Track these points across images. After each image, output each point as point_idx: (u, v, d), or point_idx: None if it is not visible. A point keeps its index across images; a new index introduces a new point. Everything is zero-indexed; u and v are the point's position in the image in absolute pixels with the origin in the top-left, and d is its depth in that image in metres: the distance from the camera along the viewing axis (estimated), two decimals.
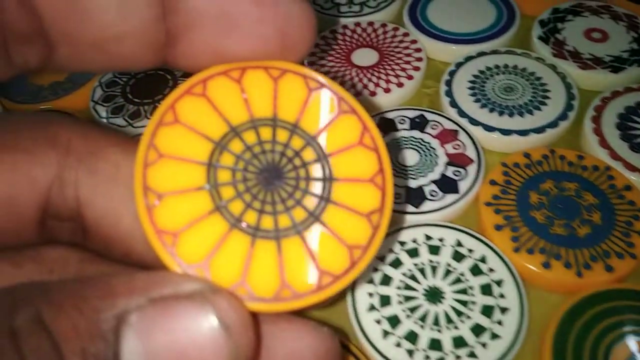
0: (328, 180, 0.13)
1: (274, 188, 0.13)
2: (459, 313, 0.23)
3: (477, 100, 0.30)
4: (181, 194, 0.12)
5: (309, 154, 0.13)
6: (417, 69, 0.32)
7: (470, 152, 0.28)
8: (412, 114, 0.30)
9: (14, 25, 0.12)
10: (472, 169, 0.27)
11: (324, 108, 0.13)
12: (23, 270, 0.14)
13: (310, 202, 0.13)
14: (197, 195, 0.12)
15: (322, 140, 0.13)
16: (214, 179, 0.12)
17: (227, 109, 0.13)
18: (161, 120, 0.13)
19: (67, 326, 0.10)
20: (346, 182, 0.13)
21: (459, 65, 0.32)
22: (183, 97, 0.13)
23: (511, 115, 0.30)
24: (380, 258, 0.25)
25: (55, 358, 0.10)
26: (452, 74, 0.32)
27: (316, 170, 0.13)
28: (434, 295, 0.24)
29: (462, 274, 0.24)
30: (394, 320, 0.23)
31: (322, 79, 0.13)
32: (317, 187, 0.13)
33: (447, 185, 0.27)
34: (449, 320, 0.23)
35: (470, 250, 0.25)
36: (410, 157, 0.28)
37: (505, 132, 0.29)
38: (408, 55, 0.33)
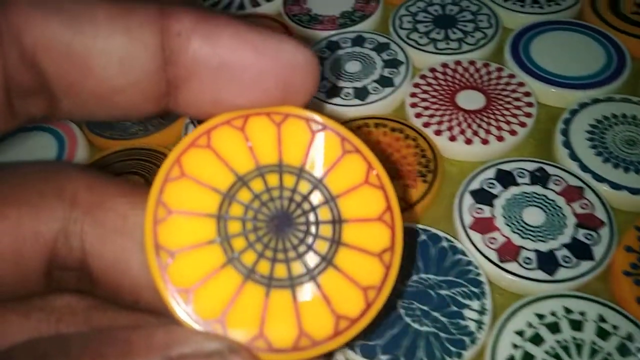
0: (337, 222, 0.13)
1: (284, 235, 0.13)
2: None
3: (599, 154, 0.29)
4: (193, 249, 0.12)
5: (316, 198, 0.13)
6: (528, 115, 0.31)
7: (600, 213, 0.26)
8: (530, 166, 0.28)
9: (17, 79, 0.12)
10: (604, 232, 0.26)
11: (328, 149, 0.14)
12: (31, 321, 0.14)
13: (322, 246, 0.13)
14: (208, 249, 0.12)
15: (329, 182, 0.13)
16: (225, 231, 0.12)
17: (233, 159, 0.13)
18: (168, 175, 0.13)
19: None
20: (355, 223, 0.13)
21: (573, 112, 0.30)
22: (188, 150, 0.13)
23: (637, 171, 0.28)
24: (518, 333, 0.23)
25: None
26: (567, 122, 0.30)
27: (325, 214, 0.13)
28: None
29: (609, 354, 0.22)
30: None
31: (323, 120, 0.14)
32: (327, 231, 0.13)
33: (580, 250, 0.25)
34: None
35: (614, 327, 0.23)
36: (536, 216, 0.26)
37: (635, 190, 0.27)
38: (517, 99, 0.31)
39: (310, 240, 0.13)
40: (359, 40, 0.36)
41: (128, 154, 0.30)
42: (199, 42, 0.12)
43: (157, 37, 0.12)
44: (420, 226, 0.26)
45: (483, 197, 0.27)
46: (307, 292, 0.12)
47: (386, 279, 0.13)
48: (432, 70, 0.34)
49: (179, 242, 0.12)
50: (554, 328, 0.23)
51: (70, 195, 0.14)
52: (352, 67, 0.34)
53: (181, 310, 0.12)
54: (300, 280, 0.12)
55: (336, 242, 0.13)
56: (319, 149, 0.14)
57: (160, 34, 0.12)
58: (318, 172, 0.13)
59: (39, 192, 0.13)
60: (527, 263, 0.25)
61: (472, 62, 0.34)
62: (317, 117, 0.14)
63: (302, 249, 0.13)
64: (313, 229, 0.13)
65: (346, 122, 0.30)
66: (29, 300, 0.14)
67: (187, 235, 0.12)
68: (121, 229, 0.14)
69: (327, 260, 0.13)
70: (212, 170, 0.13)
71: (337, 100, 0.33)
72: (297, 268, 0.13)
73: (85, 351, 0.10)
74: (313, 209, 0.13)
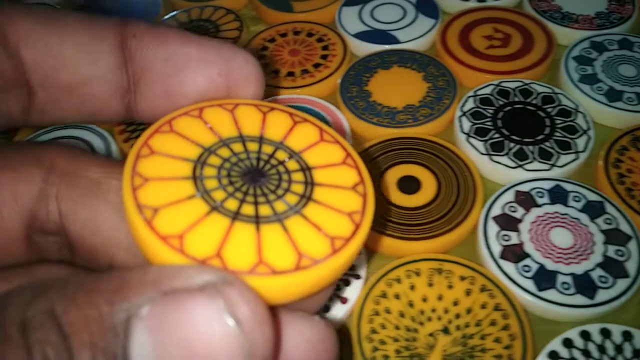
0: (310, 184, 0.14)
1: (260, 184, 0.14)
2: None
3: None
4: (175, 204, 0.13)
5: (281, 154, 0.14)
6: None
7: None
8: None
9: (1, 72, 0.14)
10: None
11: (280, 122, 0.15)
12: (13, 285, 0.14)
13: (299, 188, 0.14)
14: (190, 202, 0.13)
15: (288, 143, 0.15)
16: (203, 187, 0.13)
17: (197, 137, 0.14)
18: (138, 154, 0.13)
19: (78, 319, 0.10)
20: (327, 187, 0.14)
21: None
22: (153, 135, 0.14)
23: None
24: None
25: (63, 351, 0.10)
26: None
27: (293, 164, 0.14)
28: None
29: None
30: None
31: (270, 104, 0.15)
32: (299, 176, 0.14)
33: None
34: None
35: None
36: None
37: None
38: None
39: (285, 184, 0.14)
40: (626, 44, 0.34)
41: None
42: (151, 40, 0.15)
43: (117, 38, 0.15)
44: None
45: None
46: (295, 222, 0.13)
47: (356, 233, 0.13)
48: None
49: (161, 200, 0.13)
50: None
51: (48, 162, 0.15)
52: (627, 71, 0.32)
53: (174, 252, 0.12)
54: (287, 214, 0.13)
55: (310, 183, 0.14)
56: (271, 122, 0.15)
57: (119, 35, 0.15)
58: (277, 137, 0.15)
59: (18, 159, 0.14)
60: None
61: None
62: (264, 102, 0.15)
63: (280, 191, 0.14)
64: (286, 177, 0.14)
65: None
66: (11, 270, 0.15)
67: (167, 194, 0.13)
68: (94, 192, 0.15)
69: (307, 197, 0.14)
70: (179, 146, 0.14)
71: (619, 104, 0.31)
72: (281, 206, 0.13)
73: (82, 287, 0.11)
74: (280, 162, 0.14)
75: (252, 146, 0.14)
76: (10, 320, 0.10)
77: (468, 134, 0.30)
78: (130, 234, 0.13)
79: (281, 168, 0.14)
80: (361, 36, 0.37)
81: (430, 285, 0.25)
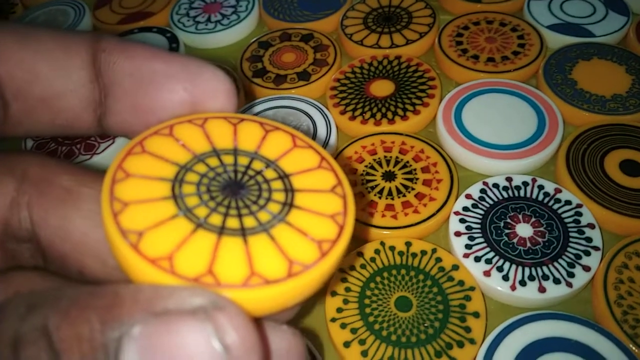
0: (290, 191, 0.14)
1: (240, 196, 0.14)
2: None
3: None
4: (159, 226, 0.12)
5: (257, 165, 0.14)
6: None
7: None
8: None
9: None
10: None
11: (251, 132, 0.15)
12: None
13: (275, 208, 0.14)
14: (174, 222, 0.13)
15: (263, 152, 0.15)
16: (185, 205, 0.13)
17: (170, 155, 0.14)
18: (114, 179, 0.13)
19: (70, 335, 0.10)
20: (307, 192, 0.14)
21: None
22: (126, 158, 0.14)
23: None
24: None
25: None
26: None
27: (270, 173, 0.14)
28: None
29: None
30: None
31: (239, 115, 0.15)
32: (278, 185, 0.14)
33: None
34: None
35: None
36: None
37: None
38: None
39: (266, 194, 0.14)
40: None
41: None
42: (118, 55, 0.15)
43: (88, 54, 0.15)
44: None
45: None
46: (281, 230, 0.13)
47: (341, 234, 0.13)
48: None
49: (144, 223, 0.12)
50: None
51: (20, 171, 0.15)
52: None
53: (166, 274, 0.12)
54: (271, 223, 0.13)
55: (289, 204, 0.14)
56: (243, 133, 0.15)
57: (91, 50, 0.15)
58: (251, 148, 0.15)
59: None
60: None
61: None
62: (232, 114, 0.15)
63: (262, 202, 0.14)
64: (265, 186, 0.14)
65: None
66: None
67: (150, 217, 0.13)
68: (65, 200, 0.15)
69: (289, 204, 0.14)
70: (154, 167, 0.14)
71: None
72: (264, 216, 0.13)
73: (75, 303, 0.11)
74: (258, 172, 0.14)
75: (228, 159, 0.14)
76: (3, 336, 0.10)
77: None
78: (116, 259, 0.13)
79: (260, 178, 0.14)
80: (555, 28, 0.38)
81: None
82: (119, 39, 0.15)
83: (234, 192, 0.14)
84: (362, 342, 0.25)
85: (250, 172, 0.14)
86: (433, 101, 0.35)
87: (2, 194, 0.15)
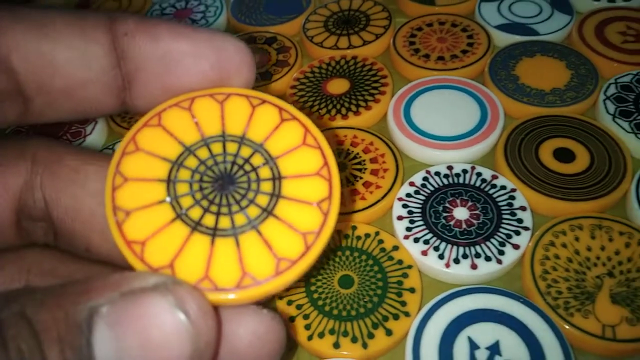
0: (277, 179, 0.14)
1: (228, 192, 0.14)
2: None
3: None
4: (145, 208, 0.14)
5: (257, 159, 0.15)
6: None
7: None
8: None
9: None
10: None
11: (267, 119, 0.15)
12: (4, 271, 0.16)
13: (263, 200, 0.14)
14: (159, 207, 0.14)
15: (269, 146, 0.15)
16: (174, 192, 0.14)
17: (181, 133, 0.15)
18: (124, 150, 0.14)
19: (46, 318, 0.11)
20: (294, 178, 0.14)
21: None
22: (142, 129, 0.15)
23: None
24: None
25: (34, 345, 0.11)
26: None
27: (265, 172, 0.15)
28: None
29: None
30: None
31: (262, 96, 0.15)
32: (267, 187, 0.14)
33: None
34: None
35: None
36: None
37: None
38: None
39: (251, 195, 0.14)
40: None
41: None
42: (143, 38, 0.15)
43: (108, 38, 0.15)
44: None
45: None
46: (248, 238, 0.14)
47: (324, 224, 0.14)
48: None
49: (133, 203, 0.14)
50: None
51: (31, 154, 0.16)
52: None
53: (135, 259, 0.13)
54: (243, 229, 0.14)
55: (276, 195, 0.14)
56: (258, 119, 0.15)
57: (110, 34, 0.15)
58: (259, 139, 0.15)
59: (4, 154, 0.16)
60: None
61: None
62: (257, 93, 0.15)
63: (244, 203, 0.14)
64: (254, 186, 0.14)
65: None
66: (2, 254, 0.16)
67: (140, 197, 0.14)
68: (73, 179, 0.16)
69: (268, 211, 0.14)
70: (162, 144, 0.15)
71: None
72: (240, 219, 0.14)
73: (50, 292, 0.12)
74: (254, 169, 0.14)
75: (231, 148, 0.15)
76: None
77: (613, 115, 0.34)
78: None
79: (252, 175, 0.14)
80: (503, 27, 0.41)
81: (593, 238, 0.28)
82: (137, 19, 0.15)
83: (223, 187, 0.14)
84: (306, 316, 0.27)
85: (247, 167, 0.15)
86: (385, 97, 0.37)
87: (17, 177, 0.16)
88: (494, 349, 0.25)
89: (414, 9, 0.44)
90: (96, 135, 0.38)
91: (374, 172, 0.33)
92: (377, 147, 0.34)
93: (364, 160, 0.33)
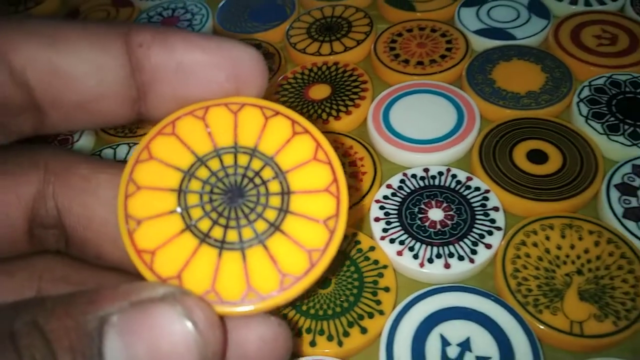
0: (286, 194, 0.14)
1: (237, 205, 0.14)
2: None
3: None
4: (156, 218, 0.14)
5: (267, 173, 0.15)
6: None
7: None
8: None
9: (9, 98, 0.14)
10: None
11: (279, 131, 0.15)
12: (16, 278, 0.16)
13: (271, 215, 0.14)
14: (170, 217, 0.14)
15: (279, 159, 0.15)
16: (185, 203, 0.14)
17: (194, 143, 0.15)
18: (138, 158, 0.15)
19: (58, 327, 0.11)
20: (303, 194, 0.14)
21: None
22: (156, 137, 0.15)
23: None
24: None
25: (48, 354, 0.11)
26: None
27: (275, 186, 0.15)
28: None
29: None
30: None
31: (276, 107, 0.15)
32: (276, 201, 0.14)
33: None
34: None
35: None
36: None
37: None
38: None
39: (260, 209, 0.14)
40: None
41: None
42: (158, 50, 0.15)
43: (123, 49, 0.14)
44: None
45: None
46: (255, 253, 0.14)
47: (330, 242, 0.14)
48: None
49: (145, 212, 0.14)
50: None
51: (43, 163, 0.16)
52: None
53: (145, 268, 0.13)
54: (250, 243, 0.14)
55: (284, 211, 0.14)
56: (271, 131, 0.15)
57: (125, 46, 0.15)
58: (270, 151, 0.15)
59: (17, 163, 0.16)
60: None
61: None
62: (271, 104, 0.15)
63: (252, 217, 0.14)
64: (263, 200, 0.14)
65: None
66: (14, 261, 0.16)
67: (152, 207, 0.14)
68: (85, 188, 0.16)
69: (275, 226, 0.14)
70: (175, 153, 0.15)
71: None
72: (248, 233, 0.14)
73: (60, 302, 0.12)
74: (264, 182, 0.15)
75: (242, 160, 0.15)
76: (0, 332, 0.11)
77: (586, 117, 0.35)
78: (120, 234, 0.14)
79: (262, 189, 0.15)
80: (481, 32, 0.42)
81: (563, 237, 0.29)
82: (152, 29, 0.15)
83: (232, 200, 0.14)
84: (283, 316, 0.28)
85: (257, 180, 0.15)
86: (365, 102, 0.38)
87: (29, 186, 0.16)
88: (465, 345, 0.26)
89: (395, 15, 0.45)
90: (84, 142, 0.39)
91: (353, 175, 0.34)
92: (356, 150, 0.35)
93: (343, 164, 0.34)
